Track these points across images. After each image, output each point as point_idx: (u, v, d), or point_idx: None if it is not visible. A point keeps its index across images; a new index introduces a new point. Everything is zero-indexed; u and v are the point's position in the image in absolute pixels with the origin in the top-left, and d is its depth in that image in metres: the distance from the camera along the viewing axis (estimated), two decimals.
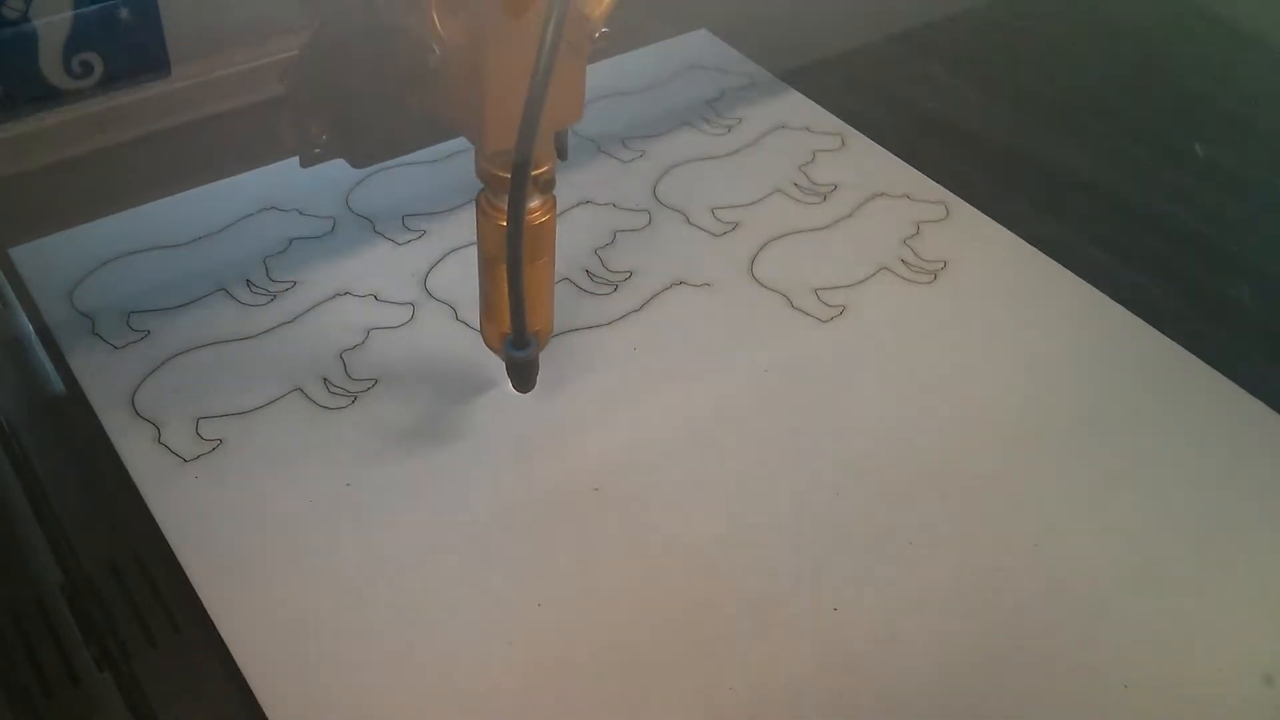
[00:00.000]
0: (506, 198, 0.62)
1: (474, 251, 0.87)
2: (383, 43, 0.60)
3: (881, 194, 0.95)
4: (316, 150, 0.66)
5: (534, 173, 0.62)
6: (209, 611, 0.64)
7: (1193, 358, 0.82)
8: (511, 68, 0.57)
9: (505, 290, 0.64)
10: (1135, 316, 0.85)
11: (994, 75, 1.07)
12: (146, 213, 0.88)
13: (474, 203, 0.67)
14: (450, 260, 0.86)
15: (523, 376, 0.70)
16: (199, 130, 0.57)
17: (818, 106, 1.03)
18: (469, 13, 0.57)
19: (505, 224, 0.62)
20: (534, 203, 0.65)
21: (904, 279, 0.87)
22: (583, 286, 0.85)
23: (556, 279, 0.85)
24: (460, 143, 0.90)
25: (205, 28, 0.55)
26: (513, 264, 0.61)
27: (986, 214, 0.93)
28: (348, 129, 0.66)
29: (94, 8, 0.52)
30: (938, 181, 0.96)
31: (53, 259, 0.84)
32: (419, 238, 0.88)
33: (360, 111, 0.65)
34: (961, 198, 0.94)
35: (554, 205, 0.68)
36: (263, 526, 0.69)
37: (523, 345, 0.67)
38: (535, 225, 0.66)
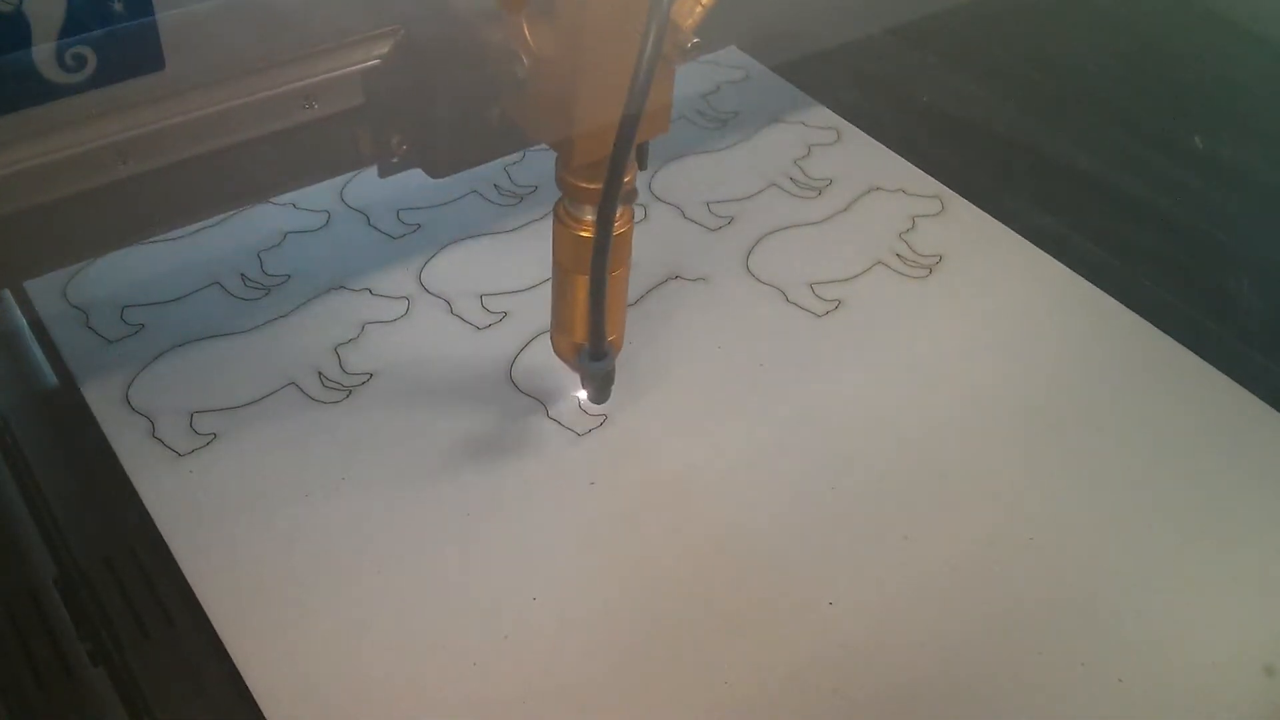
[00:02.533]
0: (587, 208, 0.62)
1: (469, 245, 0.87)
2: (469, 53, 0.60)
3: (877, 188, 0.95)
4: (394, 160, 0.66)
5: None
6: (203, 605, 0.64)
7: (1188, 353, 0.82)
8: (603, 79, 0.56)
9: (581, 301, 0.65)
10: (1131, 311, 0.85)
11: (990, 69, 1.07)
12: None
13: (551, 213, 0.66)
14: (445, 254, 0.86)
15: (601, 388, 0.69)
16: (212, 160, 0.58)
17: (813, 100, 1.03)
18: (561, 25, 0.56)
19: (584, 234, 0.63)
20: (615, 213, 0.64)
21: (899, 273, 0.87)
22: None
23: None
24: None
25: (201, 22, 0.55)
26: (597, 276, 0.60)
27: (982, 208, 0.93)
28: (427, 139, 0.65)
29: (87, 0, 0.52)
30: (933, 176, 0.96)
31: None
32: (414, 231, 0.88)
33: (440, 121, 0.64)
34: (957, 192, 0.94)
35: (632, 216, 0.66)
36: (257, 520, 0.69)
37: (601, 356, 0.66)
38: (615, 236, 0.64)
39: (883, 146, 0.99)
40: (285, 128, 0.61)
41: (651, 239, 0.89)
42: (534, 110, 0.61)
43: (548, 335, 0.80)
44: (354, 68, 0.62)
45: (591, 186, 0.62)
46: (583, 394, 0.76)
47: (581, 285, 0.64)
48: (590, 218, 0.63)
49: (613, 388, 0.71)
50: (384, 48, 0.62)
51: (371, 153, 0.66)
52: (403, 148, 0.65)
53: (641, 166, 0.66)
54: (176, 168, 0.59)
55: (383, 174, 0.66)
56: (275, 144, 0.62)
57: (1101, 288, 0.86)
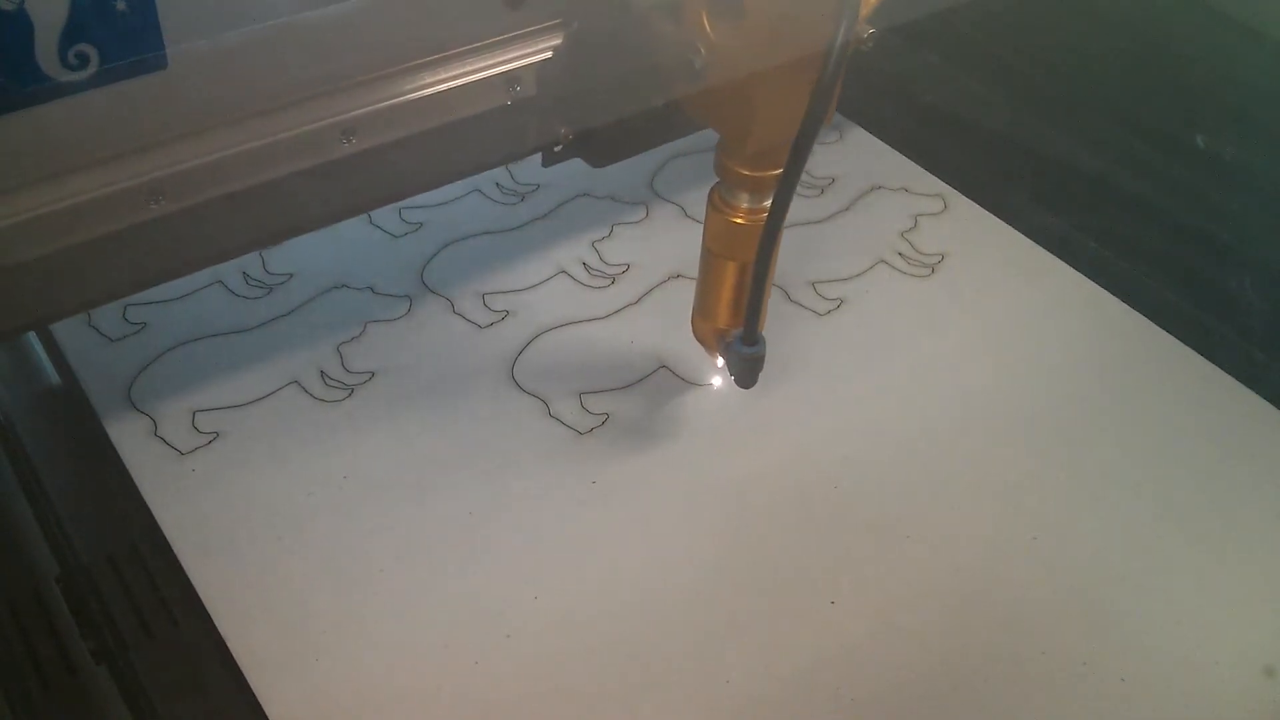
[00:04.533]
0: (745, 194, 0.65)
1: (472, 244, 0.87)
2: (644, 44, 0.61)
3: (879, 187, 0.95)
4: (558, 149, 0.67)
5: (774, 172, 0.63)
6: (206, 604, 0.64)
7: (1191, 352, 0.82)
8: (780, 70, 0.58)
9: (728, 286, 0.67)
10: (1133, 310, 0.85)
11: (992, 68, 1.06)
12: None
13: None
14: (447, 253, 0.86)
15: (749, 372, 0.70)
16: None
17: None
18: (748, 18, 0.58)
19: (738, 220, 0.65)
20: (768, 201, 0.65)
21: (902, 272, 0.87)
22: (580, 279, 0.85)
23: (554, 272, 0.85)
24: None
25: (202, 21, 0.55)
26: (762, 262, 0.62)
27: (985, 207, 0.93)
28: (592, 129, 0.67)
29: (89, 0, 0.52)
30: (936, 175, 0.96)
31: None
32: (416, 230, 0.88)
33: (606, 112, 0.66)
34: (960, 191, 0.94)
35: None
36: (259, 519, 0.69)
37: (754, 342, 0.67)
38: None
39: (885, 145, 0.99)
40: (451, 121, 0.63)
41: (653, 238, 0.89)
42: (707, 99, 0.62)
43: (546, 336, 0.80)
44: (528, 60, 0.64)
45: (753, 174, 0.64)
46: (717, 380, 0.77)
47: (731, 271, 0.67)
48: (746, 205, 0.65)
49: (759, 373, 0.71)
50: (556, 39, 0.64)
51: (537, 143, 0.68)
52: (569, 138, 0.66)
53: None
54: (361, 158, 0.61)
55: (546, 163, 0.68)
56: (446, 136, 0.63)
57: (1104, 287, 0.86)
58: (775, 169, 0.62)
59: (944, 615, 0.67)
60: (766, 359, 0.75)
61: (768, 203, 0.63)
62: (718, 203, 0.66)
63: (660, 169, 0.95)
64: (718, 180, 0.66)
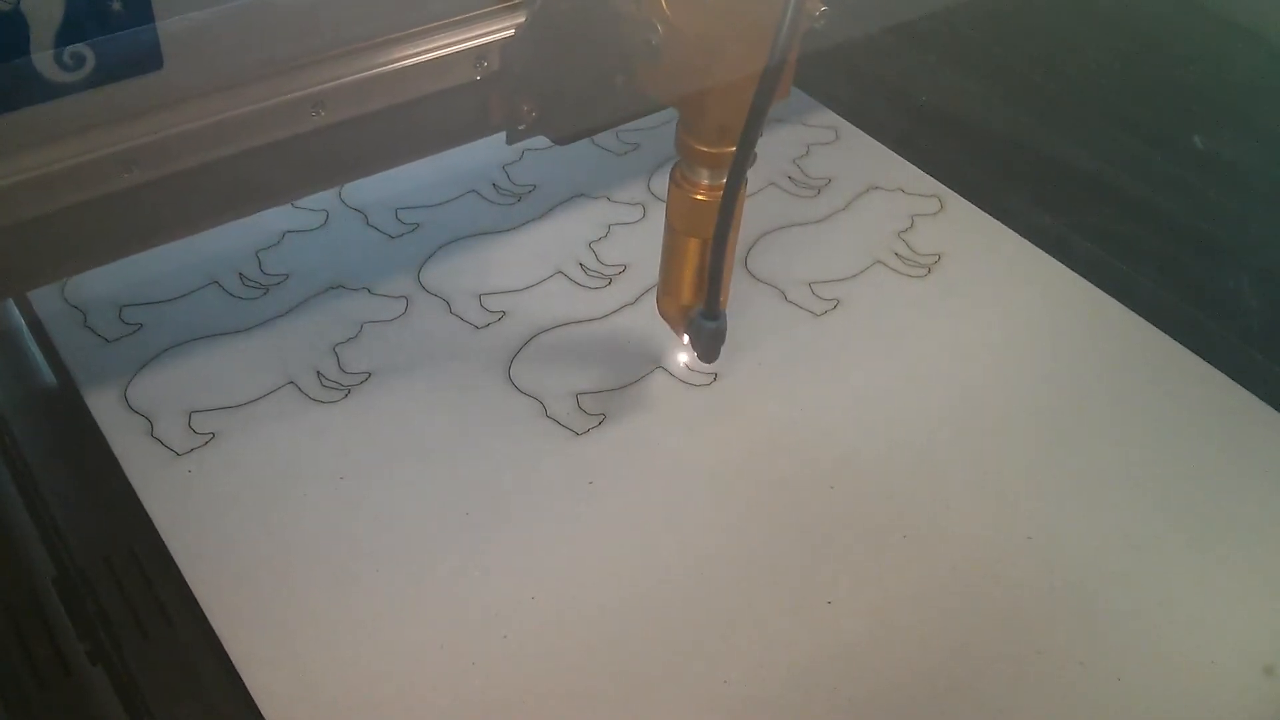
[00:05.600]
0: (704, 171, 0.66)
1: (468, 245, 0.87)
2: (604, 22, 0.63)
3: (876, 187, 0.95)
4: (521, 127, 0.68)
5: (732, 148, 0.63)
6: (201, 604, 0.64)
7: (1188, 352, 0.82)
8: (735, 48, 0.60)
9: (690, 264, 0.68)
10: (1130, 311, 0.85)
11: (989, 68, 1.06)
12: None
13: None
14: (444, 254, 0.86)
15: (712, 346, 0.71)
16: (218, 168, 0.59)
17: (812, 99, 1.03)
18: None
19: (700, 197, 0.66)
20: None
21: (898, 272, 0.87)
22: (576, 280, 0.85)
23: (550, 272, 0.85)
24: None
25: (199, 21, 0.55)
26: (720, 236, 0.63)
27: (981, 207, 0.93)
28: (555, 106, 0.68)
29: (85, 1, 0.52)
30: (932, 175, 0.96)
31: None
32: (412, 231, 0.88)
33: (568, 89, 0.67)
34: (956, 191, 0.94)
35: (747, 182, 0.68)
36: (255, 520, 0.69)
37: (715, 316, 0.68)
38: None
39: (882, 145, 0.99)
40: (414, 98, 0.63)
41: (650, 238, 0.88)
42: (665, 77, 0.63)
43: (543, 337, 0.80)
44: (495, 37, 0.64)
45: (711, 150, 0.65)
46: (685, 357, 0.78)
47: (694, 248, 0.68)
48: (706, 181, 0.66)
49: (721, 347, 0.72)
50: (519, 18, 0.65)
51: (501, 121, 0.68)
52: (532, 115, 0.67)
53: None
54: (321, 133, 0.61)
55: (510, 141, 0.69)
56: (406, 113, 0.64)
57: (1100, 287, 0.86)
58: (734, 145, 0.63)
59: (941, 615, 0.67)
60: (765, 356, 0.75)
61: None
62: (679, 180, 0.67)
63: (657, 169, 0.95)
64: (678, 158, 0.67)
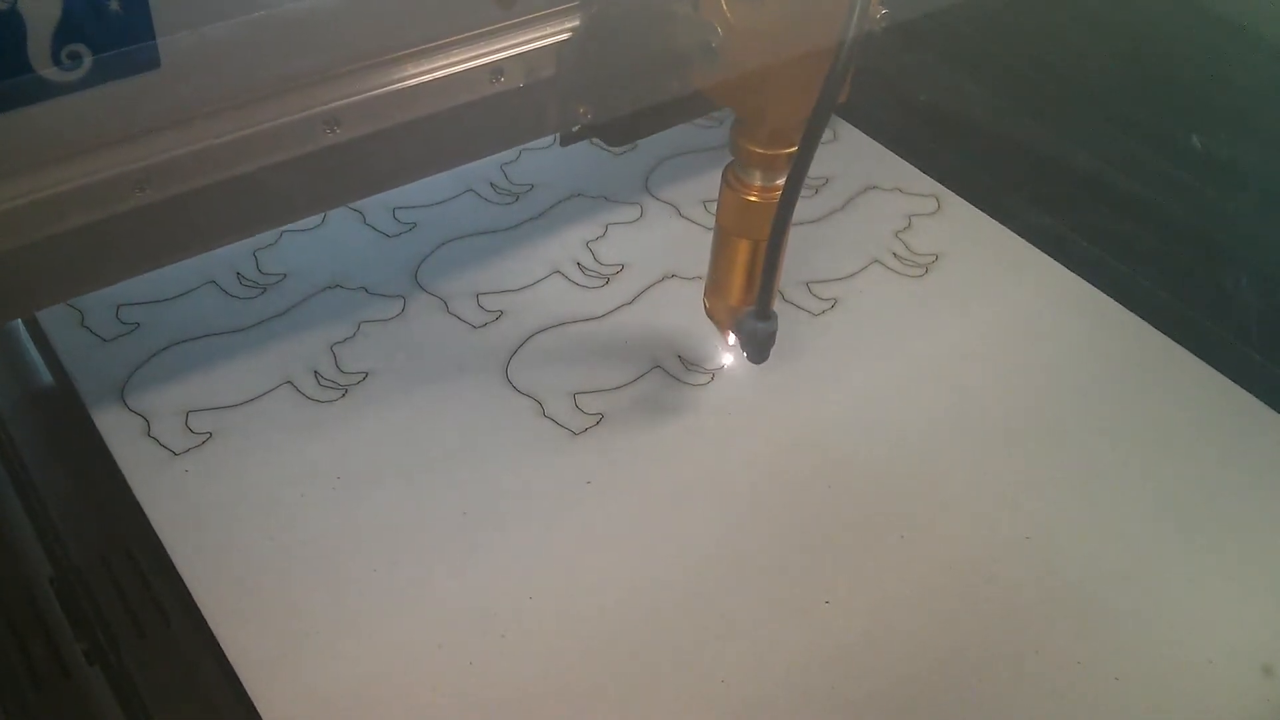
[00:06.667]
0: (758, 172, 0.66)
1: (466, 244, 0.87)
2: (662, 24, 0.63)
3: (873, 187, 0.95)
4: (576, 129, 0.68)
5: (787, 150, 0.65)
6: (199, 604, 0.64)
7: (1186, 352, 0.82)
8: (795, 51, 0.60)
9: (741, 265, 0.69)
10: (1127, 310, 0.85)
11: (987, 68, 1.06)
12: None
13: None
14: (441, 253, 0.86)
15: (763, 348, 0.71)
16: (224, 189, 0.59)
17: None
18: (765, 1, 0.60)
19: (752, 198, 0.66)
20: (781, 179, 0.67)
21: (895, 272, 0.87)
22: (574, 279, 0.85)
23: (548, 272, 0.85)
24: None
25: (196, 21, 0.55)
26: (776, 238, 0.63)
27: (979, 207, 0.93)
28: (610, 109, 0.68)
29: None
30: (930, 175, 0.96)
31: None
32: (410, 230, 0.88)
33: (624, 91, 0.67)
34: (954, 191, 0.94)
35: None
36: (252, 519, 0.69)
37: (767, 317, 0.68)
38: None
39: (879, 145, 0.99)
40: (474, 99, 0.64)
41: (648, 238, 0.89)
42: (723, 79, 0.63)
43: (541, 336, 0.80)
44: (548, 40, 0.65)
45: (766, 152, 0.65)
46: (728, 359, 0.79)
47: (744, 249, 0.68)
48: (759, 183, 0.67)
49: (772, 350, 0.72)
50: (575, 20, 0.66)
51: (556, 123, 0.69)
52: (587, 117, 0.68)
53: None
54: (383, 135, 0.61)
55: (563, 143, 0.70)
56: (465, 115, 0.64)
57: (1099, 287, 0.86)
58: (788, 148, 0.64)
59: (939, 615, 0.67)
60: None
61: (780, 180, 0.64)
62: (732, 181, 0.68)
63: (654, 169, 0.94)
64: (732, 159, 0.67)
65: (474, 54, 0.63)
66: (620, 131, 0.71)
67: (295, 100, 0.59)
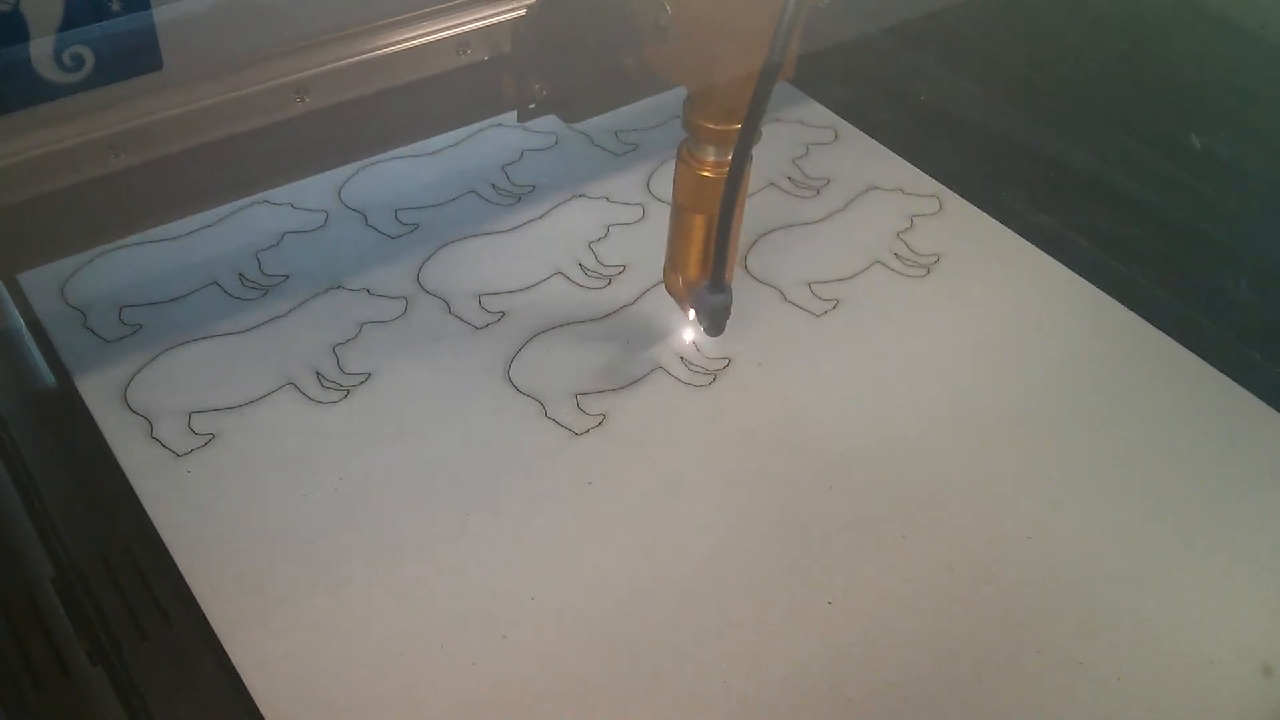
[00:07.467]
0: (711, 148, 0.68)
1: (467, 245, 0.87)
2: (613, 2, 0.65)
3: (875, 187, 0.95)
4: (532, 106, 0.70)
5: (738, 126, 0.65)
6: (200, 605, 0.64)
7: (1186, 351, 0.82)
8: (742, 29, 0.61)
9: (697, 240, 0.71)
10: (1129, 310, 0.85)
11: (988, 69, 1.07)
12: None
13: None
14: (443, 254, 0.86)
15: (718, 320, 0.72)
16: (208, 152, 0.59)
17: (811, 100, 1.03)
18: None
19: (706, 174, 0.68)
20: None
21: (897, 273, 0.87)
22: (576, 280, 0.85)
23: (550, 273, 0.86)
24: (448, 138, 0.90)
25: (197, 22, 0.55)
26: (726, 209, 0.65)
27: (980, 208, 0.93)
28: (565, 85, 0.70)
29: (85, 1, 0.52)
30: (931, 175, 0.96)
31: None
32: (412, 231, 0.88)
33: (578, 68, 0.69)
34: (955, 191, 0.94)
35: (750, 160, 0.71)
36: (254, 520, 0.69)
37: (721, 289, 0.70)
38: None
39: (881, 146, 0.99)
40: (435, 74, 0.64)
41: (649, 238, 0.89)
42: (673, 56, 0.65)
43: (543, 337, 0.80)
44: (511, 14, 0.67)
45: (718, 127, 0.66)
46: (691, 334, 0.79)
47: (699, 223, 0.70)
48: (713, 158, 0.68)
49: (727, 323, 0.74)
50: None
51: (513, 99, 0.70)
52: (543, 94, 0.69)
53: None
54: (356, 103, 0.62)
55: (521, 119, 0.71)
56: (425, 90, 0.65)
57: (1099, 286, 0.86)
58: (739, 123, 0.64)
59: (940, 615, 0.67)
60: (765, 356, 0.76)
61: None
62: (685, 157, 0.69)
63: (656, 170, 0.95)
64: (685, 136, 0.68)
65: (440, 27, 0.64)
66: (576, 108, 0.72)
67: (268, 69, 0.59)
